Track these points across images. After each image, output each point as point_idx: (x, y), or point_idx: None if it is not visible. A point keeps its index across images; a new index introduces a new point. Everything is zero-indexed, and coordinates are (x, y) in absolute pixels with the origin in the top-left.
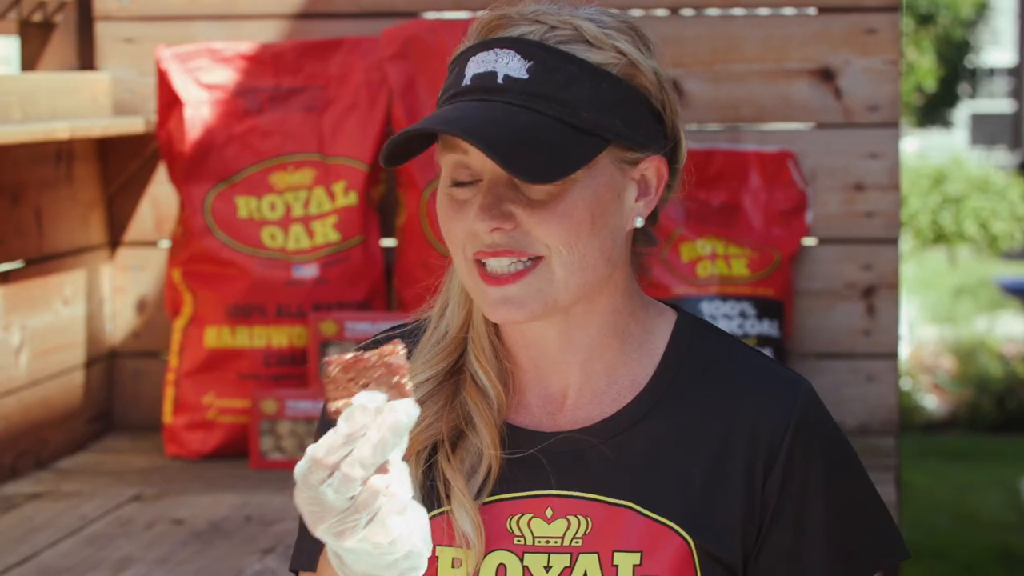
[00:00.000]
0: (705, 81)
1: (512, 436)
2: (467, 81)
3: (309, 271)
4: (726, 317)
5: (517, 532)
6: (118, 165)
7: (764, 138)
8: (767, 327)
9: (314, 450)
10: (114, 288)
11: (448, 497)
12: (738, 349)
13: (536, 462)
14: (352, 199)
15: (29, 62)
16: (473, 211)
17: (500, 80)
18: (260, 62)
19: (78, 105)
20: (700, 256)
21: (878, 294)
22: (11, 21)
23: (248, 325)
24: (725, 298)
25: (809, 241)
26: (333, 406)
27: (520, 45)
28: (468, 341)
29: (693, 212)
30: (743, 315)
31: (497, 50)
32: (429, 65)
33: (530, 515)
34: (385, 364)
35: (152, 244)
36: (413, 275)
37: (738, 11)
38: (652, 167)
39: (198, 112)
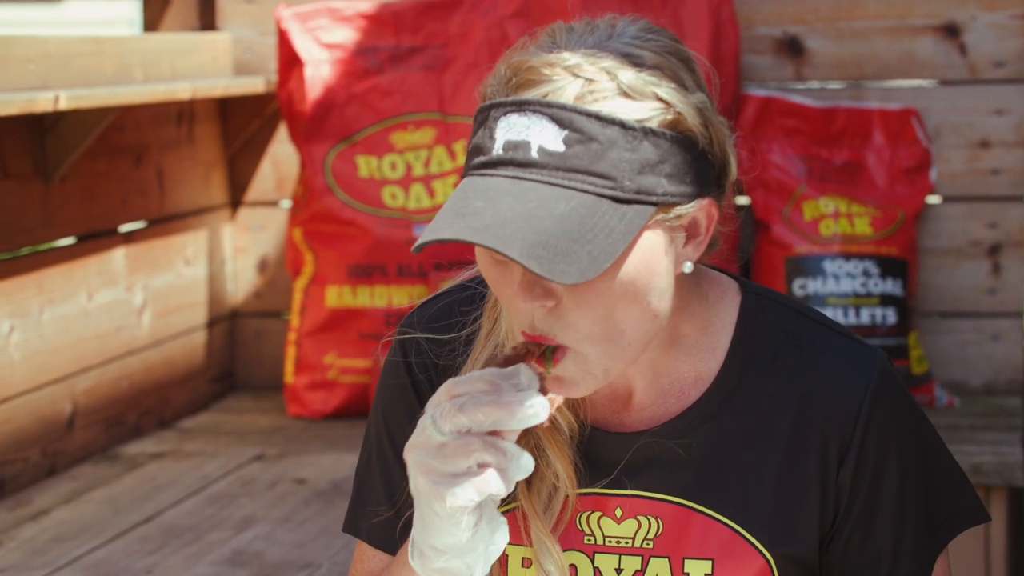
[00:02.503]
0: (828, 38)
1: (583, 435)
2: (499, 149)
3: None
4: (849, 276)
5: (587, 530)
6: (239, 125)
7: (887, 95)
8: (890, 286)
9: (452, 380)
10: (235, 248)
11: (526, 484)
12: (806, 327)
13: (606, 460)
14: None
15: (151, 23)
16: (514, 286)
17: (535, 153)
18: (380, 21)
19: (199, 65)
20: (823, 214)
21: (1003, 252)
22: None
23: (369, 284)
24: (848, 257)
25: (933, 199)
26: (495, 354)
27: (554, 111)
28: None
29: (815, 170)
30: (866, 274)
31: (529, 114)
32: (549, 23)
33: (599, 513)
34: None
35: (273, 204)
36: None
37: None
38: (703, 210)
39: (318, 72)
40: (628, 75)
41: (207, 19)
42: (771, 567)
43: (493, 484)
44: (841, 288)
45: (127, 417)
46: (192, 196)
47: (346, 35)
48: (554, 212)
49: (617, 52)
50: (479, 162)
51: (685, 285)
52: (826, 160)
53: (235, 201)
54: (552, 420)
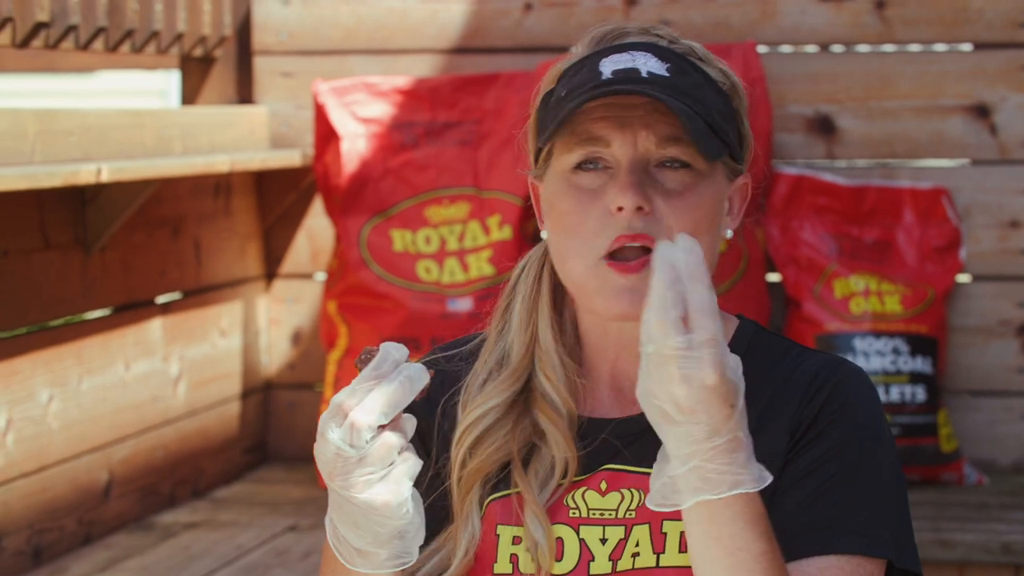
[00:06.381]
0: (859, 117)
1: (581, 426)
2: (607, 75)
3: (463, 304)
4: (879, 354)
5: (573, 505)
6: (275, 198)
7: (918, 174)
8: (920, 364)
9: (335, 395)
10: (270, 320)
11: (522, 471)
12: (799, 347)
13: (597, 443)
14: (507, 233)
15: (190, 96)
16: (611, 193)
17: (644, 74)
18: (416, 96)
19: (236, 138)
20: (853, 292)
21: None
22: (173, 56)
23: None
24: (878, 335)
25: (963, 278)
26: (361, 357)
27: (654, 49)
28: (535, 361)
29: (846, 248)
30: (896, 352)
31: (633, 52)
32: None
33: (584, 488)
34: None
35: (308, 276)
36: None
37: (889, 47)
38: (742, 186)
39: (354, 146)
40: (698, 47)
41: (245, 92)
42: None
43: (415, 464)
44: (871, 366)
45: (161, 487)
46: (228, 268)
47: (382, 110)
48: (674, 107)
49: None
50: (588, 87)
51: None
52: (857, 238)
53: (270, 273)
54: (553, 405)
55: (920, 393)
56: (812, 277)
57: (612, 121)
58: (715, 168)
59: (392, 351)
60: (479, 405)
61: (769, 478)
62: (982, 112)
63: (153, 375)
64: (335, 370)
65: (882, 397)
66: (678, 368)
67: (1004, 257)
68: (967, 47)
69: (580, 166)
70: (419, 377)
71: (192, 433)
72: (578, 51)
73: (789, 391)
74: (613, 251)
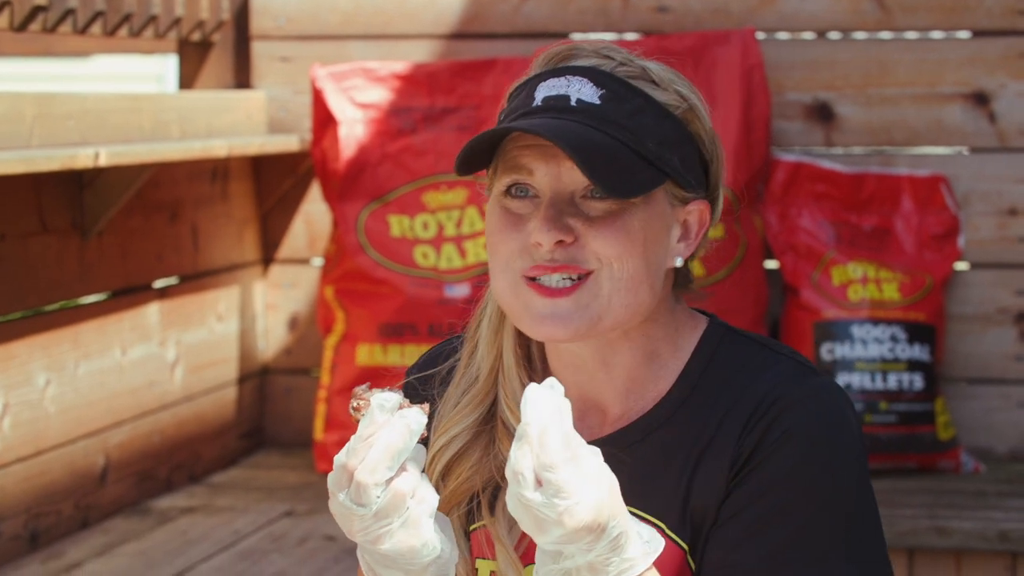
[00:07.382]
0: (857, 105)
1: None
2: (538, 102)
3: (461, 290)
4: (877, 341)
5: None
6: (272, 183)
7: (916, 162)
8: (918, 351)
9: (337, 456)
10: (267, 305)
11: (490, 509)
12: (763, 356)
13: None
14: None
15: (187, 81)
16: (533, 224)
17: (573, 103)
18: (414, 81)
19: (234, 123)
20: (851, 279)
21: None
22: (171, 40)
23: (400, 343)
24: (876, 322)
25: (961, 266)
26: (353, 405)
27: (592, 74)
28: (498, 386)
29: (844, 236)
30: (894, 339)
31: (569, 77)
32: None
33: None
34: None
35: (305, 262)
36: None
37: (887, 35)
38: (696, 212)
39: (352, 131)
40: (654, 66)
41: (242, 77)
42: (685, 553)
43: (432, 500)
44: (869, 353)
45: (158, 471)
46: (225, 253)
47: (380, 95)
48: (592, 139)
49: (643, 59)
50: (516, 114)
51: (668, 308)
52: (855, 225)
53: (267, 258)
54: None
55: (918, 381)
56: (810, 264)
57: (537, 151)
58: (651, 195)
59: (384, 402)
60: (445, 431)
61: (660, 545)
62: (981, 100)
63: (150, 360)
64: (332, 355)
65: (879, 385)
66: (534, 520)
67: (1002, 245)
68: (966, 34)
69: (509, 191)
70: (418, 422)
71: (189, 418)
72: (533, 67)
73: (735, 418)
74: (532, 276)
